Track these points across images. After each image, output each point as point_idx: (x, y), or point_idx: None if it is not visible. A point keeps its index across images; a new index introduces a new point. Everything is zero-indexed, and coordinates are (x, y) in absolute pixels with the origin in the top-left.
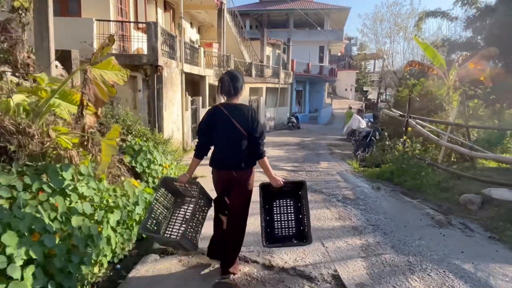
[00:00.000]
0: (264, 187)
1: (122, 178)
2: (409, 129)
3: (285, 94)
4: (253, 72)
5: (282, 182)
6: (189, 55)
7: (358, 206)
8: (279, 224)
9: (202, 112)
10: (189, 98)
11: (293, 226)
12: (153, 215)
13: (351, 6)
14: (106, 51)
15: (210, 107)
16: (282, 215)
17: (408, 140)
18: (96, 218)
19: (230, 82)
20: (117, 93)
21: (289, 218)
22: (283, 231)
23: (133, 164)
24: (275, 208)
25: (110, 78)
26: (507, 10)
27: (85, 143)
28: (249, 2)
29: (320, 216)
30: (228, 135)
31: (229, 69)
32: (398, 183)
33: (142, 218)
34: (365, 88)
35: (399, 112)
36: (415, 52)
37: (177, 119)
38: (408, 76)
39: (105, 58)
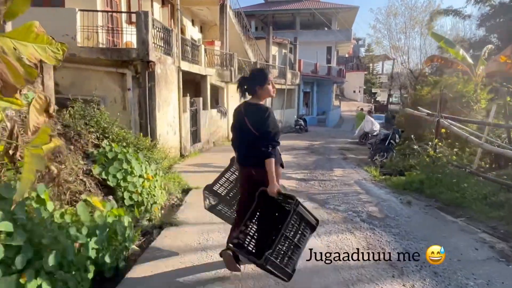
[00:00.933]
0: (263, 194)
1: (83, 196)
2: (443, 130)
3: (292, 96)
4: None
5: (275, 191)
6: (189, 53)
7: (389, 228)
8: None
9: (203, 115)
10: (188, 99)
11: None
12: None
13: (361, 2)
14: (23, 8)
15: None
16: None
17: (439, 143)
18: (17, 264)
19: (244, 82)
20: (104, 92)
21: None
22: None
23: (104, 177)
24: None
25: (32, 54)
26: None
27: (11, 152)
28: (254, 2)
29: (343, 244)
30: (242, 134)
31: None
32: (431, 195)
33: (101, 254)
34: (373, 90)
35: (427, 111)
36: (431, 48)
37: (173, 121)
38: (427, 73)
39: (87, 51)
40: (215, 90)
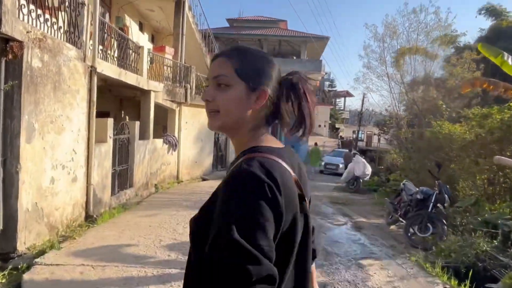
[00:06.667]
0: None
1: None
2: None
3: None
4: None
5: None
6: (129, 55)
7: None
8: None
9: (140, 146)
10: (110, 122)
11: None
12: None
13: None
14: None
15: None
16: None
17: None
18: None
19: None
20: None
21: None
22: None
23: None
24: None
25: None
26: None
27: None
28: (218, 25)
29: None
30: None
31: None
32: None
33: None
34: (337, 125)
35: None
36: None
37: (72, 158)
38: (444, 106)
39: None
40: (163, 112)
